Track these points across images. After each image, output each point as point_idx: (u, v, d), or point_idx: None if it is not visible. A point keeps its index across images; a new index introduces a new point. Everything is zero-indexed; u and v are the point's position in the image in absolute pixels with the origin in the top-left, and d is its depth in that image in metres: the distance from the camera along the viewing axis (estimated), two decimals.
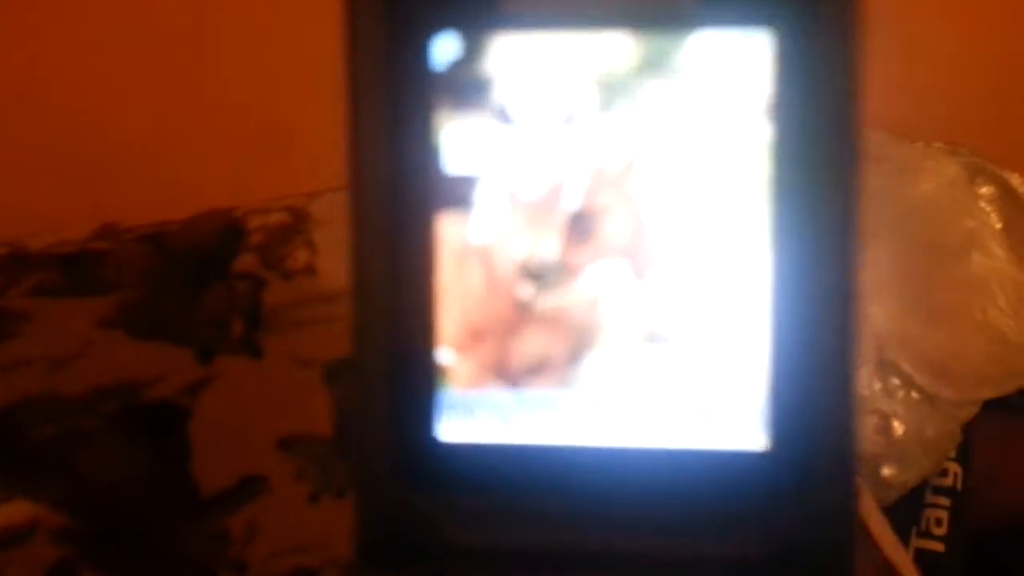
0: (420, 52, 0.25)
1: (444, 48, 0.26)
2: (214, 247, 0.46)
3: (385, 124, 0.25)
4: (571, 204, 0.26)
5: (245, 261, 0.46)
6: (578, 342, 0.26)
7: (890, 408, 0.49)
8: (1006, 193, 0.52)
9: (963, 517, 0.51)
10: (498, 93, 0.26)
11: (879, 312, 0.49)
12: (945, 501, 0.51)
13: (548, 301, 0.26)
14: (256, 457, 0.42)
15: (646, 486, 0.26)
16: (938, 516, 0.51)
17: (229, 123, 0.53)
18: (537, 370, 0.26)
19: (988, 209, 0.51)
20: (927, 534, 0.51)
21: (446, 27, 0.25)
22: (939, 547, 0.50)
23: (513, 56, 0.26)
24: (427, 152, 0.26)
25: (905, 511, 0.50)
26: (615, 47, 0.26)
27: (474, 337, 0.26)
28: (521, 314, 0.26)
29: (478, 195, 0.26)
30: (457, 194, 0.26)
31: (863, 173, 0.25)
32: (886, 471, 0.49)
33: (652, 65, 0.26)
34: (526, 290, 0.26)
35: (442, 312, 0.26)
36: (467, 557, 0.26)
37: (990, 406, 0.50)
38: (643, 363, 0.26)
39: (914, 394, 0.50)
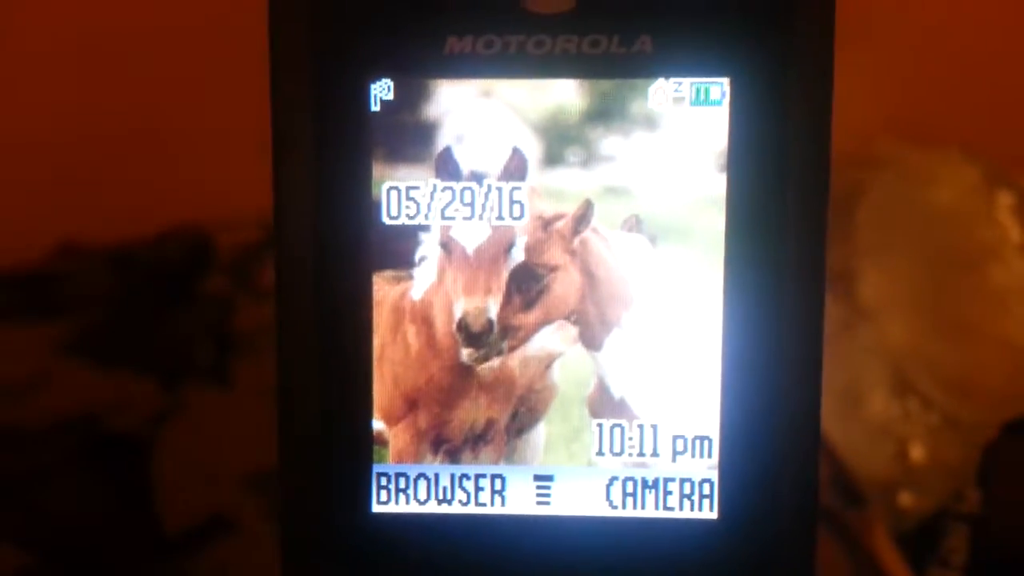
0: (357, 98, 0.24)
1: (382, 94, 0.25)
2: (181, 266, 0.44)
3: (316, 171, 0.24)
4: (515, 260, 0.25)
5: (214, 281, 0.44)
6: (524, 411, 0.25)
7: (906, 432, 0.48)
8: None
9: (984, 546, 0.49)
10: (440, 141, 0.25)
11: (893, 330, 0.47)
12: (964, 529, 0.48)
13: (490, 365, 0.25)
14: (225, 494, 0.41)
15: (597, 558, 0.25)
16: (957, 545, 0.48)
17: (201, 132, 0.51)
18: (478, 441, 0.26)
19: (1008, 219, 0.49)
20: (945, 564, 0.48)
21: (384, 72, 0.24)
22: None
23: (457, 103, 0.25)
24: (362, 202, 0.25)
25: (922, 541, 0.48)
26: (565, 95, 0.25)
27: (410, 405, 0.25)
28: (461, 379, 0.25)
29: (416, 249, 0.25)
30: (393, 248, 0.25)
31: (827, 232, 0.24)
32: (902, 499, 0.48)
33: (604, 114, 0.25)
34: (465, 352, 0.25)
35: (376, 378, 0.25)
36: None
37: (1011, 428, 0.47)
38: (592, 431, 0.26)
39: (931, 416, 0.48)
